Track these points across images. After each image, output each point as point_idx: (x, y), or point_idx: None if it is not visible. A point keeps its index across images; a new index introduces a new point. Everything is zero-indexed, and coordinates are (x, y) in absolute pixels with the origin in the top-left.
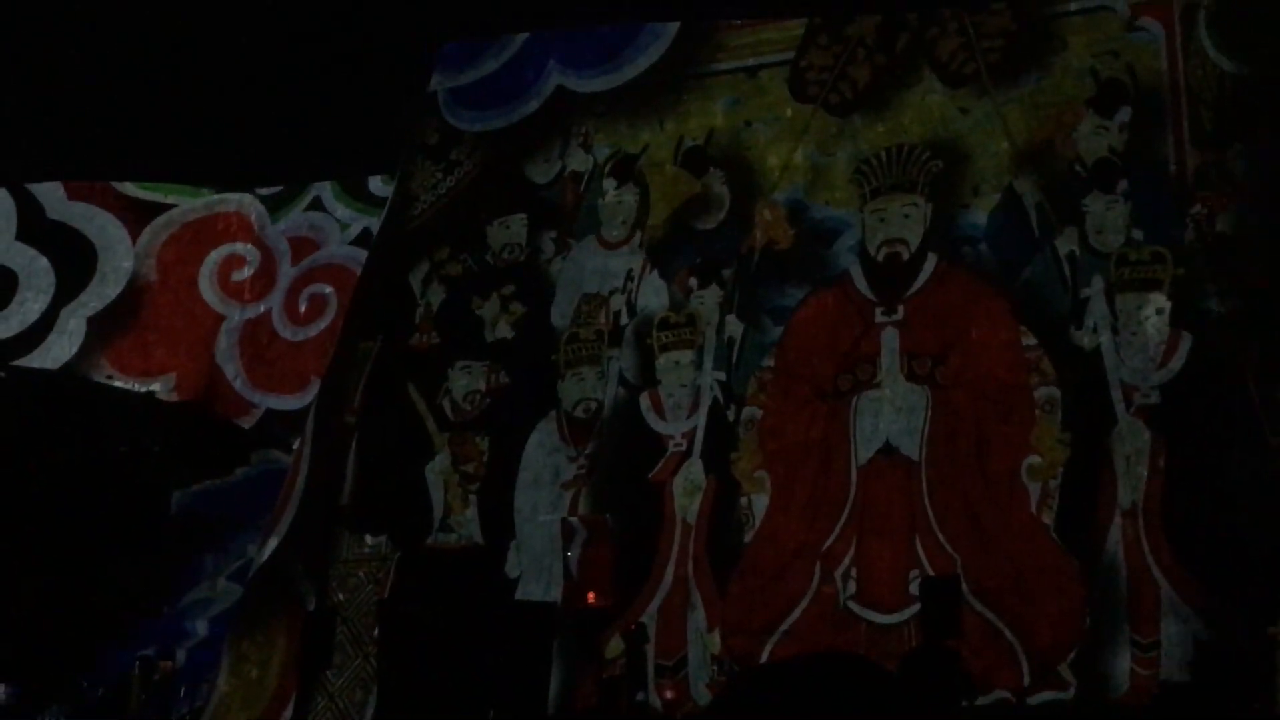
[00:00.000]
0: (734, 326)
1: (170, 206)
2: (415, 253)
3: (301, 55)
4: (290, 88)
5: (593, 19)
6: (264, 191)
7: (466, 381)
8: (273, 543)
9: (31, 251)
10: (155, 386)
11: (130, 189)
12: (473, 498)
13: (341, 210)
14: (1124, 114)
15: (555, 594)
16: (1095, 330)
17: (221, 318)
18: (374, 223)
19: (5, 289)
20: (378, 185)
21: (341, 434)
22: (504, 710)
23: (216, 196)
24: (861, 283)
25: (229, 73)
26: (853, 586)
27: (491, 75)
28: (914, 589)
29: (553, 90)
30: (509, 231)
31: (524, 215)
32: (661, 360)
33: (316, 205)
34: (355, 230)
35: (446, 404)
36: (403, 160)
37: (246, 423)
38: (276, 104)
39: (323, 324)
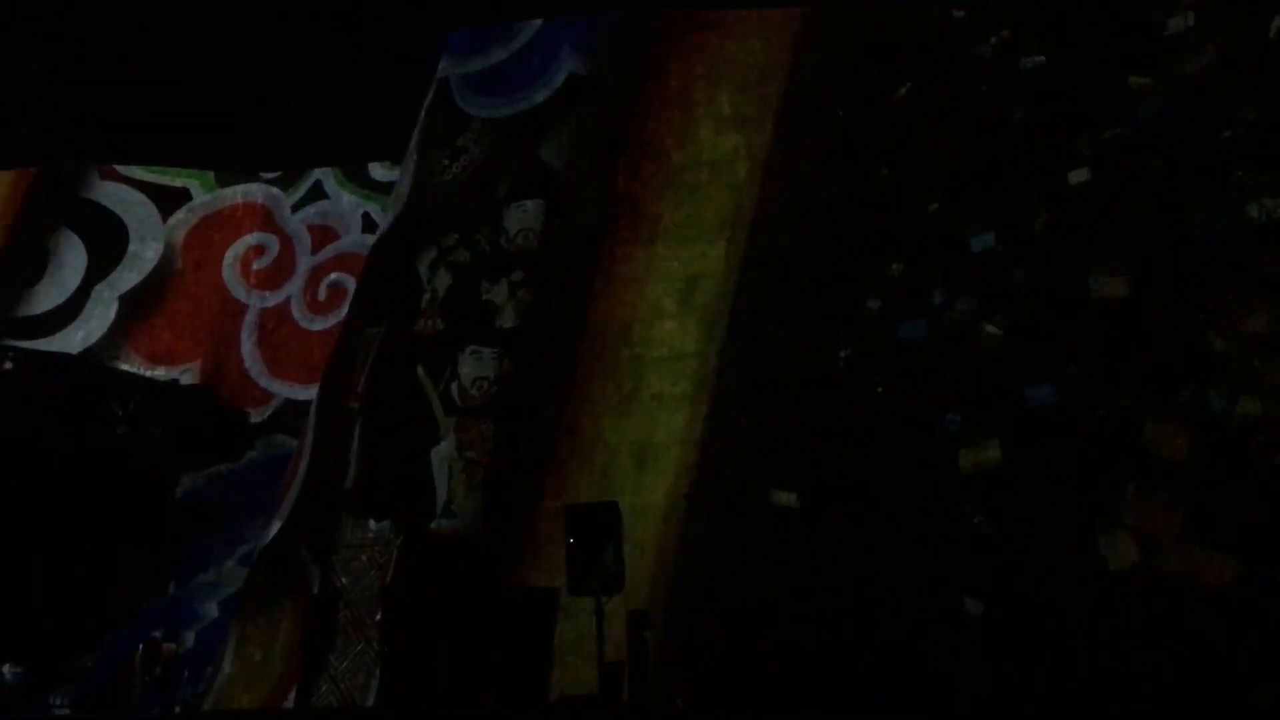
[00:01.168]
0: None
1: (181, 190)
2: (422, 239)
3: (303, 42)
4: (292, 75)
5: (602, 4)
6: (267, 177)
7: (476, 368)
8: (275, 526)
9: (63, 230)
10: (178, 374)
11: (138, 172)
12: (477, 483)
13: (346, 197)
14: None
15: (558, 580)
16: None
17: (244, 306)
18: (376, 208)
19: (36, 267)
20: (379, 171)
21: (346, 419)
22: (504, 694)
23: (231, 188)
24: None
25: (230, 60)
26: None
27: (503, 62)
28: None
29: (565, 78)
30: (526, 215)
31: (541, 200)
32: None
33: (318, 191)
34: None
35: (454, 389)
36: (411, 147)
37: (265, 411)
38: (278, 90)
39: (342, 313)
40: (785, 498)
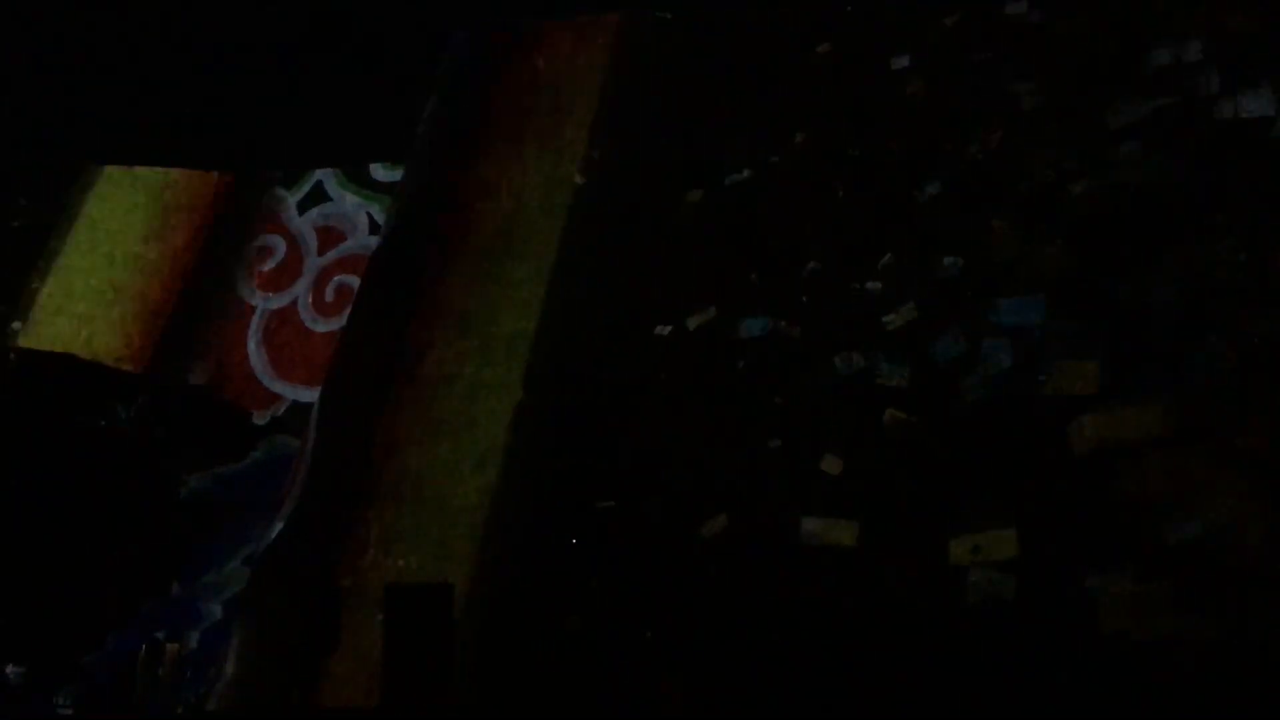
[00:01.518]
0: None
1: None
2: (425, 239)
3: (303, 42)
4: (292, 75)
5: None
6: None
7: None
8: (278, 526)
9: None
10: (183, 375)
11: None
12: None
13: (349, 198)
14: None
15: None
16: None
17: (250, 307)
18: (378, 209)
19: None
20: (381, 172)
21: (348, 420)
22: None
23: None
24: None
25: (228, 59)
26: None
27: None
28: None
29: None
30: None
31: None
32: None
33: (321, 192)
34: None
35: None
36: (413, 148)
37: (270, 412)
38: (277, 90)
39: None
40: (838, 531)
